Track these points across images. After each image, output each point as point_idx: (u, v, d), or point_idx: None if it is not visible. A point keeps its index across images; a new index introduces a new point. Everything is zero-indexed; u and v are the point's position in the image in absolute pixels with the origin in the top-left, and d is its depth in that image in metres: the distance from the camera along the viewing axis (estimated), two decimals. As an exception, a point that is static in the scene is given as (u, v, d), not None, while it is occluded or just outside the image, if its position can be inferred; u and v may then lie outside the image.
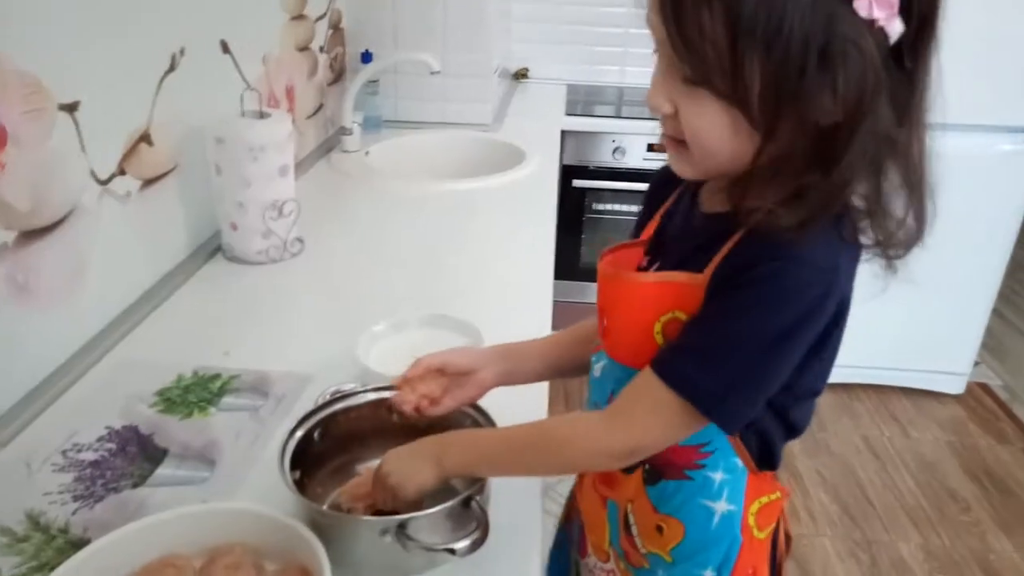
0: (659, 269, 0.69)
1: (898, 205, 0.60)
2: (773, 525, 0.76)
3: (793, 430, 0.70)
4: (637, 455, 0.67)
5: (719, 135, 0.59)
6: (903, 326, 2.37)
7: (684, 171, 0.66)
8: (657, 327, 0.65)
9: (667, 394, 0.61)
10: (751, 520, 0.73)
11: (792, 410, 0.69)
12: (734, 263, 0.61)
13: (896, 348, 2.47)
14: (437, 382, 0.78)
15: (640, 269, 0.72)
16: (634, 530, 0.76)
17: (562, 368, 0.84)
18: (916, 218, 0.61)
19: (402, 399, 0.77)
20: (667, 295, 0.65)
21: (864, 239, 0.62)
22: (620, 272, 0.71)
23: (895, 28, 0.53)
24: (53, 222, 0.94)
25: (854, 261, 0.63)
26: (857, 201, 0.60)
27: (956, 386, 2.57)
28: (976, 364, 2.59)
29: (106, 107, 1.02)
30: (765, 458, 0.71)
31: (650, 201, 0.78)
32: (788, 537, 0.80)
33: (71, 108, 0.95)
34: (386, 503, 0.71)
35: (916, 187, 0.60)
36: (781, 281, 0.58)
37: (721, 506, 0.71)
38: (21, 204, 0.88)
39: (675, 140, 0.63)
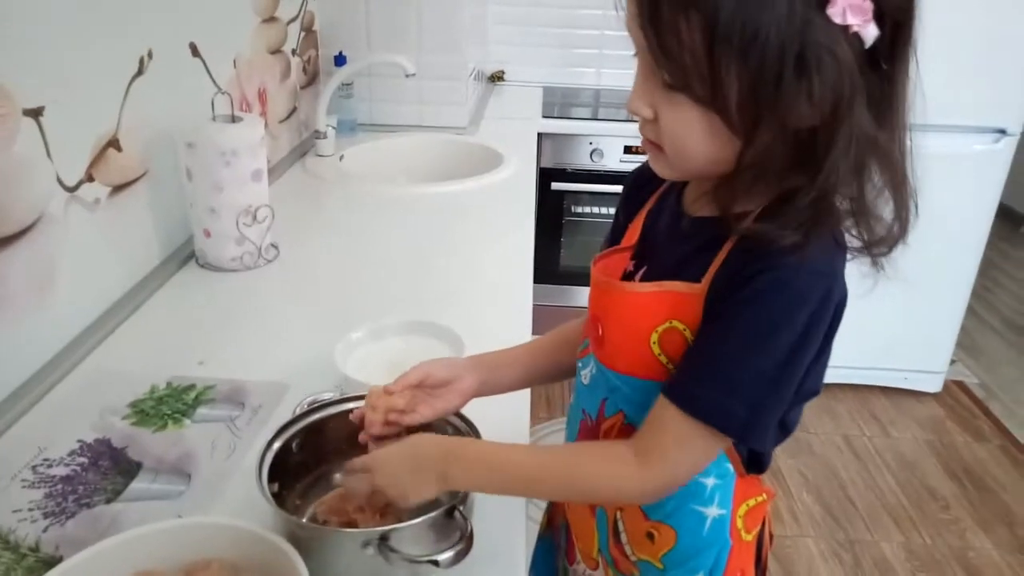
0: (647, 274, 0.69)
1: (882, 205, 0.61)
2: (759, 527, 0.75)
3: (786, 432, 0.70)
4: (672, 490, 0.66)
5: (697, 140, 0.59)
6: (881, 325, 2.39)
7: (664, 172, 0.66)
8: (654, 337, 0.64)
9: (694, 425, 0.60)
10: (739, 523, 0.72)
11: (790, 412, 0.68)
12: (732, 273, 0.60)
13: (874, 347, 2.50)
14: (401, 396, 0.74)
15: (626, 274, 0.71)
16: (623, 537, 0.75)
17: (544, 375, 0.83)
18: (899, 216, 0.61)
19: (370, 422, 0.73)
20: (663, 305, 0.64)
21: (850, 240, 0.62)
22: (613, 281, 0.70)
23: (870, 33, 0.54)
24: (19, 230, 0.91)
25: (845, 262, 0.63)
26: (842, 203, 0.60)
27: (934, 384, 2.59)
28: (952, 362, 2.62)
29: (72, 112, 0.99)
30: (754, 461, 0.71)
31: (627, 204, 0.77)
32: (770, 536, 0.80)
33: (36, 113, 0.92)
34: (377, 505, 0.70)
35: (899, 187, 0.60)
36: (785, 292, 0.58)
37: (712, 511, 0.70)
38: (-16, 212, 0.85)
39: (654, 144, 0.63)
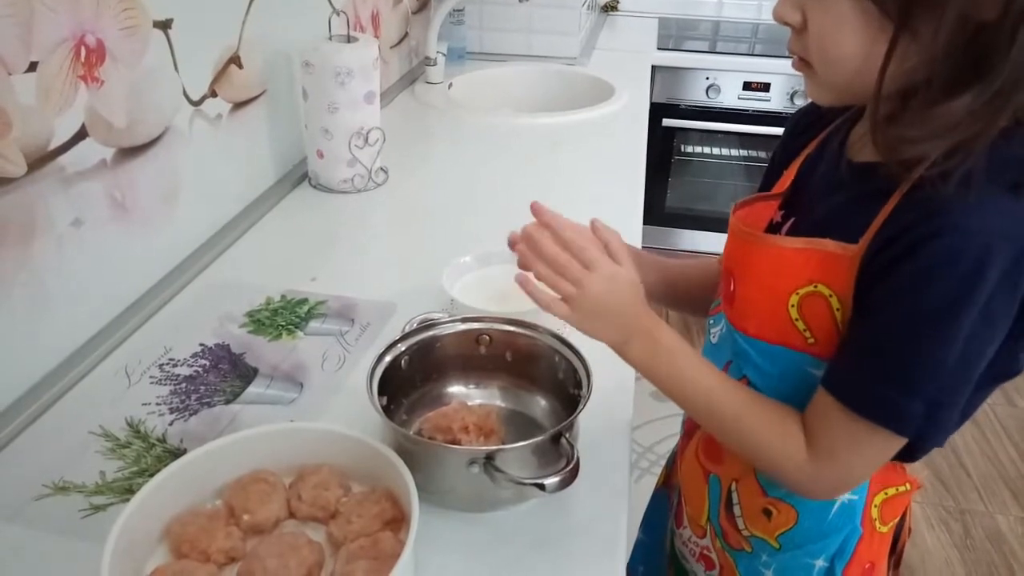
0: (795, 227, 0.62)
1: None
2: (897, 519, 0.69)
3: (964, 419, 0.60)
4: (843, 492, 0.63)
5: (847, 37, 0.52)
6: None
7: (817, 95, 0.59)
8: (793, 300, 0.58)
9: (864, 426, 0.54)
10: (874, 512, 0.66)
11: (976, 396, 0.58)
12: (894, 236, 0.52)
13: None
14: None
15: (772, 225, 0.65)
16: (736, 510, 0.70)
17: (676, 301, 0.81)
18: None
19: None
20: (810, 264, 0.57)
21: None
22: (755, 232, 0.63)
23: None
24: (148, 141, 0.94)
25: None
26: None
27: (1068, 353, 2.38)
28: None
29: (198, 26, 1.01)
30: (904, 449, 0.59)
31: (785, 149, 0.70)
32: (908, 530, 0.73)
33: (165, 26, 0.94)
34: (485, 428, 0.70)
35: None
36: (959, 264, 0.49)
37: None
38: (118, 121, 0.88)
39: (804, 61, 0.57)
